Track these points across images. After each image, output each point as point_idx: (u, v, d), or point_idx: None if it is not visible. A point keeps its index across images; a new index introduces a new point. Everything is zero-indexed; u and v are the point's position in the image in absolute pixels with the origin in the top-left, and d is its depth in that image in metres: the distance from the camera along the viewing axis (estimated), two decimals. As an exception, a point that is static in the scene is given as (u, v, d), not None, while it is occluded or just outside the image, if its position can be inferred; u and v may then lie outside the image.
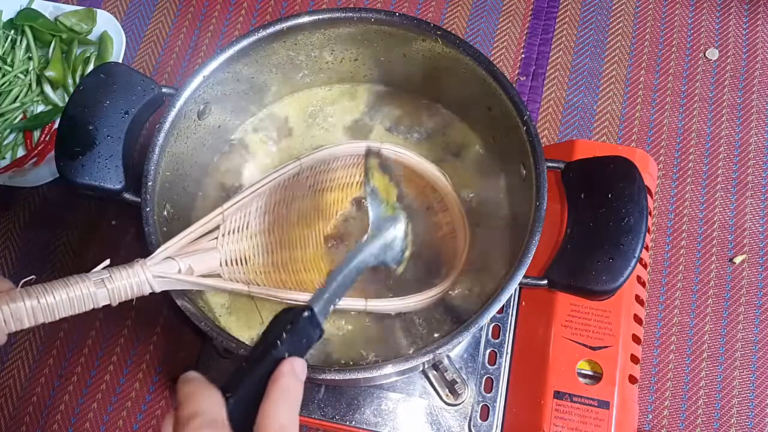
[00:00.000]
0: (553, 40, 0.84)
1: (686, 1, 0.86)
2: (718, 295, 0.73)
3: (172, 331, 0.72)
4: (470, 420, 0.63)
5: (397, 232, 0.49)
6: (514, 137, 0.57)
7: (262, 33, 0.58)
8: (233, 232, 0.56)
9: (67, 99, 0.78)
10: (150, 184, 0.54)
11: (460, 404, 0.63)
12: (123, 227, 0.77)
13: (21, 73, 0.79)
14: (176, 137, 0.58)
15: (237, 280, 0.56)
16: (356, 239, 0.61)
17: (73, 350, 0.72)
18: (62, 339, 0.73)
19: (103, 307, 0.45)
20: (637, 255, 0.51)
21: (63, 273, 0.66)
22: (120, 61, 0.78)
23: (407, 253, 0.49)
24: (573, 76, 0.82)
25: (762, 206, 0.76)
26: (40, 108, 0.80)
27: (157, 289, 0.48)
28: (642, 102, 0.81)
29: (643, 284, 0.64)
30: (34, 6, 0.82)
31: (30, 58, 0.80)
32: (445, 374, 0.62)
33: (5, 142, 0.78)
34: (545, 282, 0.53)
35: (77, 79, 0.79)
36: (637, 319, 0.62)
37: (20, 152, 0.77)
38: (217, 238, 0.55)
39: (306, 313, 0.39)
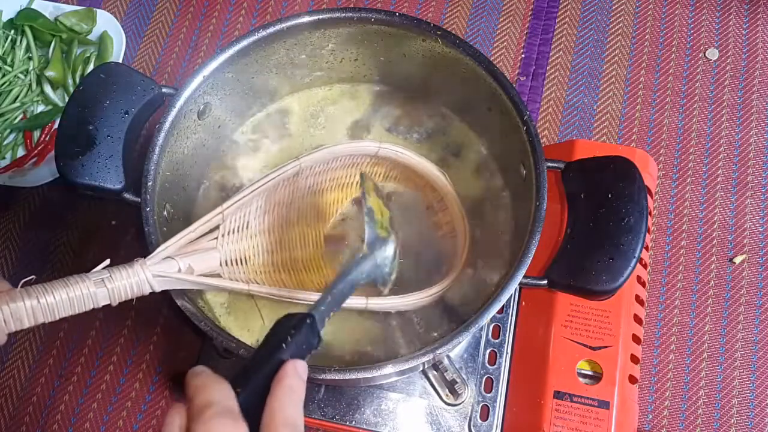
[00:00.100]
0: (553, 40, 0.84)
1: (686, 1, 0.86)
2: (718, 295, 0.73)
3: (172, 331, 0.72)
4: (470, 420, 0.63)
5: (388, 253, 0.50)
6: (514, 137, 0.57)
7: (262, 33, 0.59)
8: (233, 232, 0.56)
9: (67, 99, 0.78)
10: (150, 184, 0.54)
11: (460, 404, 0.63)
12: (123, 227, 0.76)
13: (21, 73, 0.79)
14: (176, 137, 0.58)
15: (237, 279, 0.56)
16: (356, 239, 0.61)
17: (73, 350, 0.72)
18: (62, 339, 0.73)
19: (103, 307, 0.46)
20: (637, 255, 0.51)
21: (63, 273, 0.66)
22: (120, 61, 0.78)
23: (393, 276, 0.51)
24: (573, 76, 0.82)
25: (762, 206, 0.76)
26: (40, 108, 0.80)
27: (157, 289, 0.48)
28: (642, 102, 0.81)
29: (643, 284, 0.64)
30: (34, 6, 0.82)
31: (30, 58, 0.80)
32: (445, 374, 0.62)
33: (5, 142, 0.78)
34: (545, 282, 0.53)
35: (77, 79, 0.79)
36: (637, 319, 0.62)
37: (20, 152, 0.77)
38: (217, 237, 0.55)
39: (308, 320, 0.41)
